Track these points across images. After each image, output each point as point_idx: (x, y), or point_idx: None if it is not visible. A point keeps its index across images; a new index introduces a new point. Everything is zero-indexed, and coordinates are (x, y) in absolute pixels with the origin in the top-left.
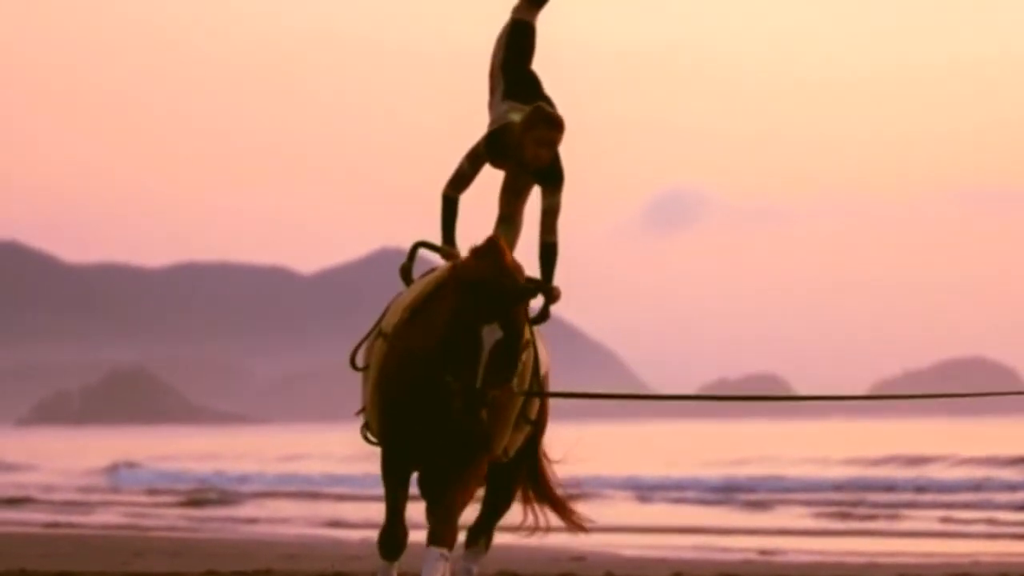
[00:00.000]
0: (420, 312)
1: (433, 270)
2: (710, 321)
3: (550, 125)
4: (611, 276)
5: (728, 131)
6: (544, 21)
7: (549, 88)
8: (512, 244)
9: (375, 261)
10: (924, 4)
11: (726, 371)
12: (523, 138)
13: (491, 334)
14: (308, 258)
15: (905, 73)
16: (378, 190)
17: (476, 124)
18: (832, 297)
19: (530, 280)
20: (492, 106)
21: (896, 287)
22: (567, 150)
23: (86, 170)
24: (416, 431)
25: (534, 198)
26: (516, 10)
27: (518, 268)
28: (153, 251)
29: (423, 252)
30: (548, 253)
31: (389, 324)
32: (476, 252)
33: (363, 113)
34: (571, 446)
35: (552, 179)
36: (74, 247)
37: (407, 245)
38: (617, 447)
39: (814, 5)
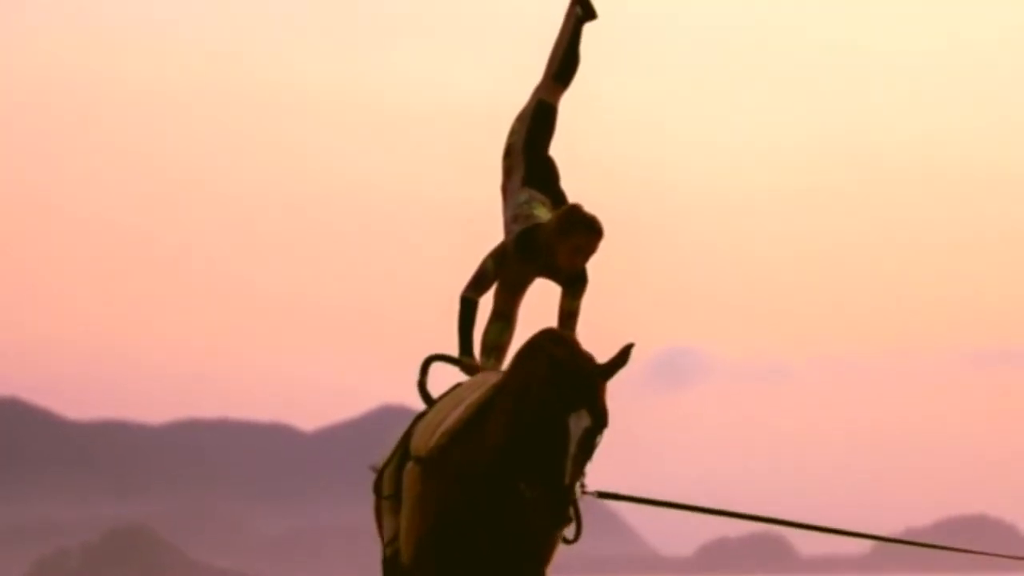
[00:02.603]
0: (464, 434)
1: (459, 386)
2: (711, 480)
3: (590, 232)
4: (612, 434)
5: (730, 290)
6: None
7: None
8: (507, 344)
9: (376, 419)
10: (920, 166)
11: (728, 530)
12: (556, 242)
13: (578, 422)
14: (309, 415)
15: (907, 232)
16: (378, 347)
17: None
18: (833, 455)
19: None
20: (507, 190)
21: (897, 444)
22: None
23: (86, 327)
24: (473, 558)
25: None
26: (540, 90)
27: (590, 355)
28: (153, 408)
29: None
30: None
31: (421, 447)
32: (551, 343)
33: (364, 269)
34: None
35: (578, 282)
36: (74, 404)
37: (408, 403)
38: None
39: (809, 166)
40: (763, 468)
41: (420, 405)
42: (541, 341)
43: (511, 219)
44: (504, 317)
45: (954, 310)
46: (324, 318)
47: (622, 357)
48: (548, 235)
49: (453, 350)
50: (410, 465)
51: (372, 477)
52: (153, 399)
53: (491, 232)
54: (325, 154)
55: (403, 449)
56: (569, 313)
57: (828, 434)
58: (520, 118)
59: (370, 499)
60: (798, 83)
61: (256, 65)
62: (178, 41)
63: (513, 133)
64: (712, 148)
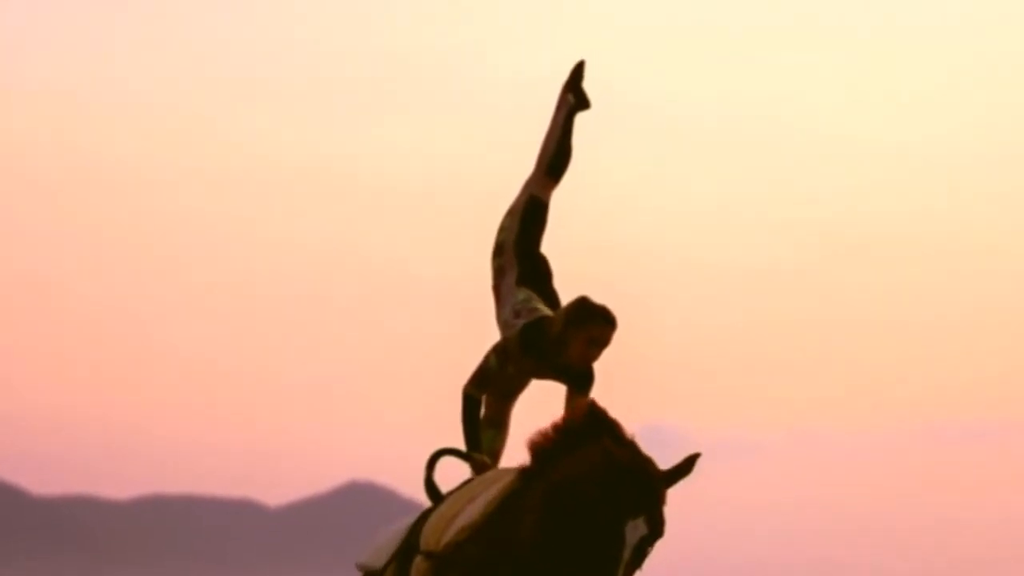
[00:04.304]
0: (485, 530)
1: (469, 481)
2: (683, 557)
3: (607, 322)
4: None
5: (703, 365)
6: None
7: None
8: (500, 452)
9: (344, 495)
10: (892, 244)
11: None
12: (569, 335)
13: (635, 530)
14: (276, 491)
15: (879, 308)
16: (346, 422)
17: (440, 357)
18: (807, 529)
19: None
20: (500, 289)
21: (866, 520)
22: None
23: (52, 401)
24: None
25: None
26: (531, 184)
27: (650, 458)
28: (120, 484)
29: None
30: None
31: (433, 543)
32: (611, 439)
33: (330, 342)
34: None
35: (586, 379)
36: (42, 479)
37: (376, 479)
38: None
39: (785, 243)
40: (737, 544)
41: (388, 481)
42: (596, 435)
43: (512, 315)
44: (496, 424)
45: (926, 383)
46: (291, 391)
47: (687, 466)
48: (558, 328)
49: (422, 427)
50: (419, 560)
51: (341, 555)
52: (119, 474)
53: (462, 307)
54: (297, 225)
55: (408, 544)
56: None
57: (801, 509)
58: (510, 213)
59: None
60: (776, 163)
61: (238, 139)
62: (157, 116)
63: (503, 230)
64: (687, 225)
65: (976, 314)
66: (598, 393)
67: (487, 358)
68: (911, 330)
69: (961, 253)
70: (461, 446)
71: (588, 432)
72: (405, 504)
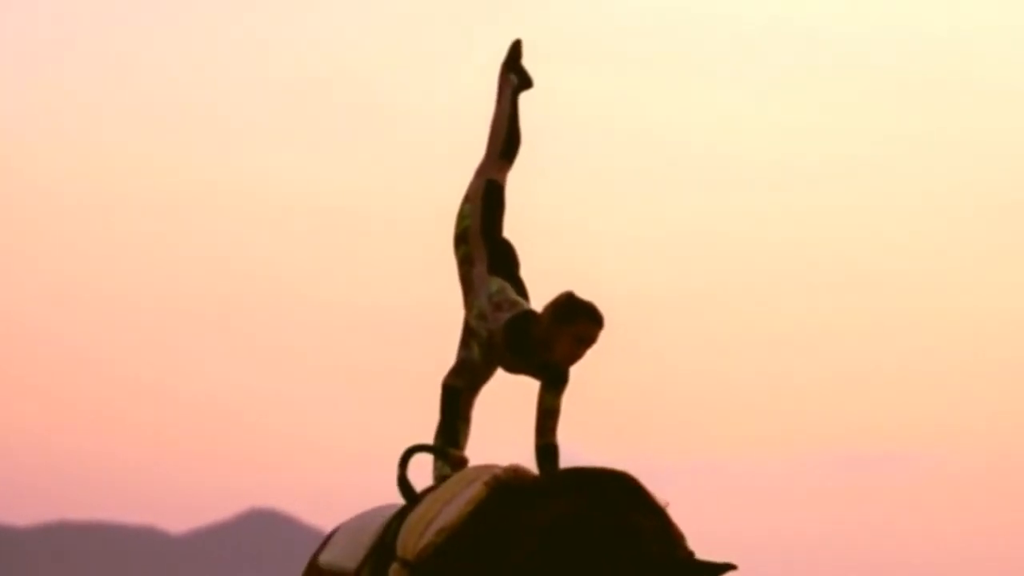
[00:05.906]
0: (463, 536)
1: (443, 480)
2: None
3: (595, 321)
4: None
5: (601, 391)
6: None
7: None
8: (463, 447)
9: (246, 523)
10: (802, 269)
11: None
12: (556, 332)
13: None
14: (178, 518)
15: (785, 336)
16: (247, 448)
17: (360, 384)
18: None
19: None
20: (468, 279)
21: (777, 549)
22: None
23: None
24: None
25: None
26: (486, 169)
27: (681, 534)
28: (22, 510)
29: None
30: (551, 454)
31: (409, 548)
32: (640, 511)
33: (232, 366)
34: None
35: (561, 377)
36: None
37: (278, 506)
38: None
39: (690, 266)
40: None
41: (289, 508)
42: (625, 511)
43: (492, 307)
44: (462, 418)
45: (834, 412)
46: (192, 417)
47: (720, 569)
48: (544, 325)
49: (324, 454)
50: (395, 567)
51: None
52: (21, 500)
53: (367, 335)
54: (208, 248)
55: (383, 544)
56: (551, 411)
57: (707, 538)
58: (468, 199)
59: None
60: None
61: (167, 164)
62: (54, 141)
63: (464, 217)
64: (613, 248)
65: (892, 344)
66: (488, 416)
67: (469, 348)
68: (823, 360)
69: (873, 282)
70: (368, 474)
71: (616, 507)
72: (307, 531)
